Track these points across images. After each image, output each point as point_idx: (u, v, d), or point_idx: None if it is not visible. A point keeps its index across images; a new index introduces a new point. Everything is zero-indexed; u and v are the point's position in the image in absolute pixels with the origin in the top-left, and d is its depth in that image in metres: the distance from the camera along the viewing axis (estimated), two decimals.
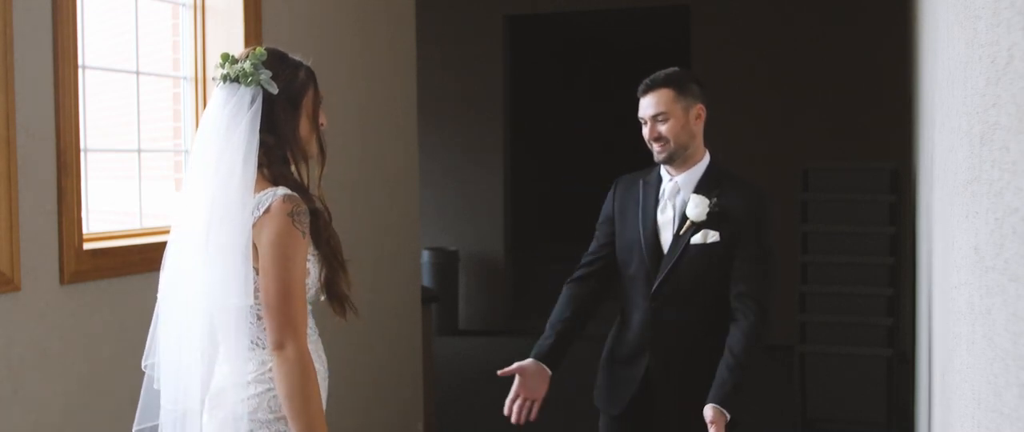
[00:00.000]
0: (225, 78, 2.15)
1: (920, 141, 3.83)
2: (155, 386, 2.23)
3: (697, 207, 2.81)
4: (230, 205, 2.08)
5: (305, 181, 2.23)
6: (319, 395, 2.14)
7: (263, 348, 2.16)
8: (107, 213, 3.88)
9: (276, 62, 2.18)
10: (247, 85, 2.13)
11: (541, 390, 2.87)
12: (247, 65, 2.13)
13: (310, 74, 2.24)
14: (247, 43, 3.74)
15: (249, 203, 2.08)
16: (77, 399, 3.10)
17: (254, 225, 2.07)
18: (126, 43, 3.69)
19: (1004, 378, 1.01)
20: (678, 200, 2.87)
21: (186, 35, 3.77)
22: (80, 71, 3.11)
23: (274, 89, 2.14)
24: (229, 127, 2.10)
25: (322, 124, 2.26)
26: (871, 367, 5.27)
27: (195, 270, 2.13)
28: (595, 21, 10.68)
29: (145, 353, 2.25)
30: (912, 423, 4.45)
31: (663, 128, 2.83)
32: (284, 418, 2.12)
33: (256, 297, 2.12)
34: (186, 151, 3.79)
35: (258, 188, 2.11)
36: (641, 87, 2.88)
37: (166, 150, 3.90)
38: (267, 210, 2.07)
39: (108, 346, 3.20)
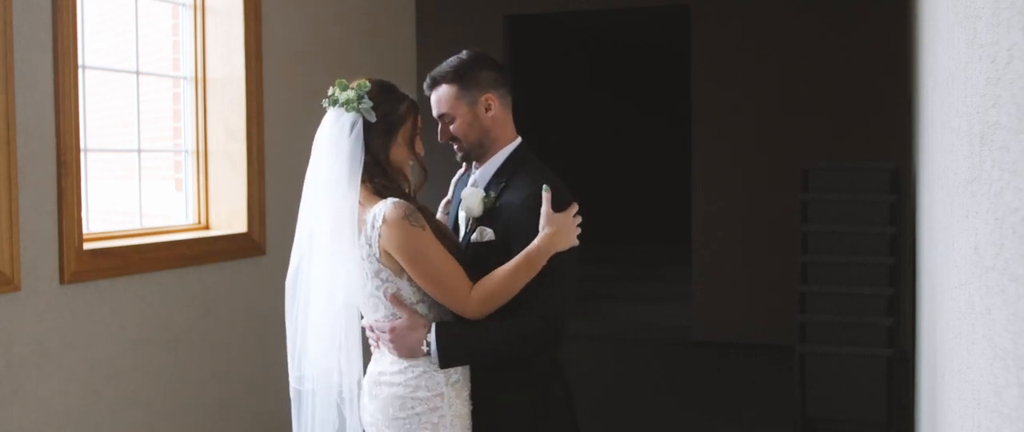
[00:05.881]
0: (334, 102, 2.41)
1: (920, 141, 3.83)
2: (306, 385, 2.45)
3: (469, 201, 2.54)
4: (341, 210, 2.35)
5: (407, 191, 2.48)
6: (501, 274, 2.36)
7: None
8: (107, 213, 3.88)
9: (380, 94, 2.43)
10: (349, 111, 2.38)
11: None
12: (351, 94, 2.39)
13: (412, 107, 2.49)
14: (247, 43, 3.75)
15: (355, 208, 2.35)
16: (77, 399, 3.10)
17: (380, 237, 2.32)
18: (126, 43, 3.69)
19: (1004, 378, 1.01)
20: None
21: (186, 35, 3.77)
22: (80, 71, 3.11)
23: (373, 118, 2.39)
24: (335, 145, 2.37)
25: (419, 152, 2.51)
26: (871, 367, 5.26)
27: (324, 263, 2.39)
28: (595, 21, 10.67)
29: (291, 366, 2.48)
30: (912, 423, 4.45)
31: (452, 128, 2.59)
32: (441, 395, 2.37)
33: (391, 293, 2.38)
34: (186, 151, 3.79)
35: (368, 201, 2.37)
36: (425, 83, 2.64)
37: (166, 150, 3.90)
38: (384, 221, 2.31)
39: (108, 346, 3.20)
